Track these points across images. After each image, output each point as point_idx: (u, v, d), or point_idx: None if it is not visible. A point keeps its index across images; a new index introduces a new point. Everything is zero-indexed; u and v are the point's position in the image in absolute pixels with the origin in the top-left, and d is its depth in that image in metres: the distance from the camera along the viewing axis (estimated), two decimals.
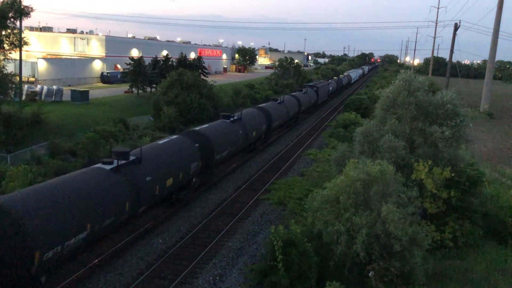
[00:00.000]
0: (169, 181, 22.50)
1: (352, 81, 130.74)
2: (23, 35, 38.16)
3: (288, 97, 52.56)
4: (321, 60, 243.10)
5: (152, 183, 20.67)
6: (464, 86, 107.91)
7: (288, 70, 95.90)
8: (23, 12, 36.67)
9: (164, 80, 51.63)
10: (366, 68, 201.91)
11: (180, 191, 25.39)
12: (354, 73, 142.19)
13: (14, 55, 38.02)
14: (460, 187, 20.20)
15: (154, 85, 61.81)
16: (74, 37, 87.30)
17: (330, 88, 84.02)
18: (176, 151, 24.26)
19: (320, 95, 70.18)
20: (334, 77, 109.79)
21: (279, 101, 47.78)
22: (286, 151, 41.36)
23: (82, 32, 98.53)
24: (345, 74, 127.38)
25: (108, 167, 18.92)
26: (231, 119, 33.33)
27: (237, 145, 32.44)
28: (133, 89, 60.72)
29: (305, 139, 47.65)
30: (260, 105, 43.52)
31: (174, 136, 26.68)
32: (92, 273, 18.12)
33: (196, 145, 26.47)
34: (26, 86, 50.19)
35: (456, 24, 54.43)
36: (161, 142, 25.03)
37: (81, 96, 50.84)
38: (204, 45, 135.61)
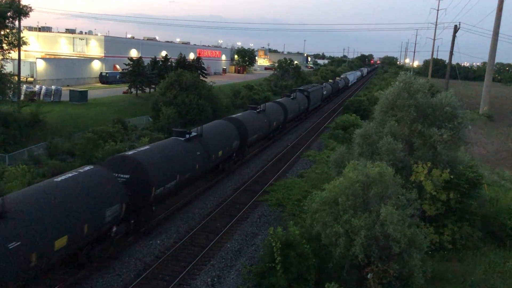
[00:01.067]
0: (60, 241, 15.13)
1: (350, 84, 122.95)
2: (22, 35, 38.19)
3: (271, 105, 45.30)
4: (320, 62, 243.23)
5: (22, 251, 13.65)
6: (464, 88, 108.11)
7: (288, 71, 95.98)
8: (22, 12, 36.71)
9: (163, 80, 51.58)
10: (365, 70, 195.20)
11: (90, 249, 17.98)
12: (352, 76, 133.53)
13: (13, 54, 38.01)
14: (459, 189, 20.19)
15: (153, 86, 61.78)
16: (73, 37, 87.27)
17: (324, 93, 76.33)
18: (79, 193, 16.58)
19: (312, 101, 63.13)
20: (330, 80, 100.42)
21: (259, 109, 40.29)
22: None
23: (81, 32, 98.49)
24: (342, 76, 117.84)
25: None
26: (187, 136, 26.47)
27: (192, 172, 25.39)
28: (132, 89, 60.70)
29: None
30: (233, 116, 36.25)
31: (86, 168, 18.65)
32: (90, 274, 18.04)
33: (121, 179, 19.83)
34: (24, 86, 50.23)
35: (455, 26, 54.44)
36: (58, 179, 17.00)
37: (79, 96, 50.83)
38: (203, 45, 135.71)
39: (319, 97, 70.46)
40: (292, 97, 53.82)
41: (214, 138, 29.11)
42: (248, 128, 34.87)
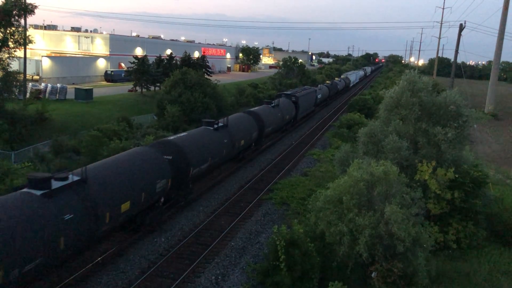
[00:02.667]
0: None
1: (351, 85, 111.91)
2: (27, 33, 38.28)
3: (240, 117, 34.49)
4: (325, 60, 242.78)
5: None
6: (469, 87, 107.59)
7: (292, 69, 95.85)
8: (27, 10, 36.76)
9: (168, 79, 51.70)
10: (368, 69, 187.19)
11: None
12: (354, 75, 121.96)
13: (19, 53, 38.14)
14: (464, 188, 20.13)
15: (158, 84, 61.93)
16: (79, 36, 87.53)
17: (319, 96, 65.78)
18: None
19: (302, 107, 52.49)
20: (327, 81, 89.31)
21: (217, 125, 29.27)
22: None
23: (86, 31, 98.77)
24: (342, 76, 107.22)
25: None
26: (52, 185, 15.36)
27: (49, 253, 14.41)
28: (137, 87, 60.88)
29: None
30: (167, 139, 25.30)
31: None
32: (95, 271, 18.14)
33: None
34: (30, 84, 50.43)
35: (461, 24, 54.25)
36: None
37: (85, 95, 51.02)
38: (208, 44, 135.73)
39: (312, 102, 60.69)
40: (273, 104, 43.41)
41: (111, 184, 17.91)
42: (191, 155, 24.10)
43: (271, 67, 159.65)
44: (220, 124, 29.71)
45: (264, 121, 37.30)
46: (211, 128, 28.84)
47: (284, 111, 45.16)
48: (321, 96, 68.25)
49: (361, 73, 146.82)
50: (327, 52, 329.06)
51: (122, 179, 18.70)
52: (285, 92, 52.92)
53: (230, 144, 29.46)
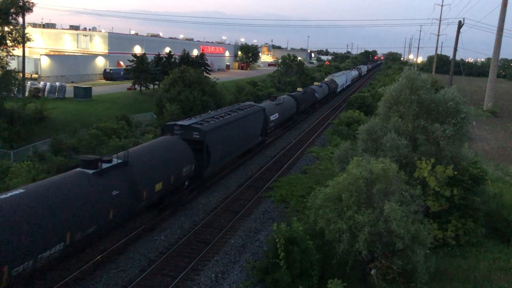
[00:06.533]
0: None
1: (339, 89, 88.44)
2: (26, 32, 38.23)
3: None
4: (324, 58, 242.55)
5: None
6: (468, 84, 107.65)
7: (291, 67, 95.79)
8: (25, 8, 36.67)
9: (167, 77, 51.64)
10: (364, 68, 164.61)
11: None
12: (343, 77, 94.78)
13: (17, 51, 38.08)
14: (463, 185, 20.17)
15: (157, 82, 61.88)
16: (77, 34, 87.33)
17: (273, 117, 40.58)
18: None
19: (217, 150, 27.63)
20: (298, 89, 60.59)
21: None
22: None
23: (85, 29, 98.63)
24: (326, 79, 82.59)
25: None
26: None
27: None
28: (136, 86, 60.82)
29: None
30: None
31: None
32: (94, 270, 18.15)
33: None
34: (29, 82, 50.36)
35: (460, 22, 54.22)
36: None
37: (84, 93, 50.96)
38: (207, 42, 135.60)
39: (254, 131, 35.69)
40: (113, 163, 18.81)
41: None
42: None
43: (270, 64, 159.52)
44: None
45: (19, 237, 13.39)
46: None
47: (147, 174, 20.40)
48: (279, 116, 42.89)
49: (354, 73, 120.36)
50: (326, 50, 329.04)
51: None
52: (179, 123, 26.84)
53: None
